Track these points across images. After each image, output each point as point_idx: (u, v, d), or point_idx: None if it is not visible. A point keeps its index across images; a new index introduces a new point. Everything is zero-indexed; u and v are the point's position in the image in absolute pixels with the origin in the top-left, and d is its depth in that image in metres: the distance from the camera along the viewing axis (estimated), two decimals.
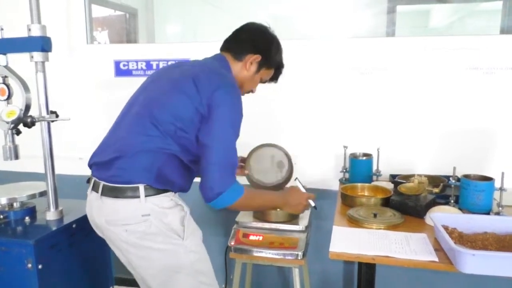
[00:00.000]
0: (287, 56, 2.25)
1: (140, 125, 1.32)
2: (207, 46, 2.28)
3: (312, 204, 1.62)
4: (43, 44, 1.46)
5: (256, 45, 1.50)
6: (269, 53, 1.52)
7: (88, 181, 1.42)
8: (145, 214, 1.27)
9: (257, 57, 1.49)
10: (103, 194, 1.31)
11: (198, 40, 2.79)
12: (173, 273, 1.33)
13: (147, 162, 1.28)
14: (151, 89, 1.42)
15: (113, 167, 1.31)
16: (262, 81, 1.59)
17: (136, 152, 1.28)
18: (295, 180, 1.73)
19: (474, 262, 1.15)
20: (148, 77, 1.53)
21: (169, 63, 2.29)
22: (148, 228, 1.28)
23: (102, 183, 1.32)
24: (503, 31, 2.17)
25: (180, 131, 1.30)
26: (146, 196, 1.27)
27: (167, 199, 1.32)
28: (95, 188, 1.35)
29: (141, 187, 1.27)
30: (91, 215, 1.39)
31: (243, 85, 1.52)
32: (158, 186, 1.30)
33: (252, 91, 1.60)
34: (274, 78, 1.62)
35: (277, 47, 1.56)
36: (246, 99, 1.52)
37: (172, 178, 1.33)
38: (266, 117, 2.19)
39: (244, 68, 1.49)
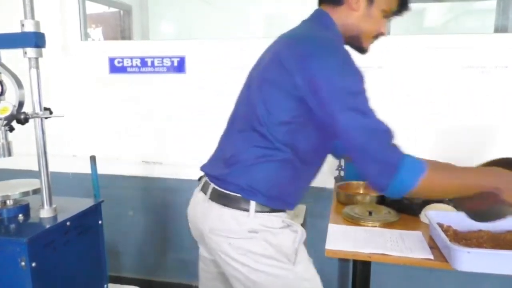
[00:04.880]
0: None
1: (245, 137, 1.13)
2: (201, 43, 2.30)
3: None
4: (36, 40, 1.44)
5: None
6: None
7: (200, 179, 1.29)
8: (251, 231, 1.10)
9: None
10: (211, 198, 1.16)
11: (193, 37, 2.78)
12: None
13: (258, 177, 1.10)
14: (246, 88, 1.23)
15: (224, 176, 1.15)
16: (388, 14, 1.17)
17: (246, 167, 1.11)
18: None
19: (469, 260, 1.16)
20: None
21: (164, 60, 2.29)
22: (253, 246, 1.10)
23: (212, 185, 1.18)
24: (497, 29, 2.18)
25: (288, 127, 1.07)
26: (256, 211, 1.10)
27: (278, 220, 1.13)
28: (204, 189, 1.22)
29: (252, 203, 1.10)
30: (194, 216, 1.24)
31: (362, 31, 1.17)
32: (271, 205, 1.12)
33: (382, 34, 1.20)
34: (403, 4, 1.17)
35: None
36: None
37: (286, 193, 1.14)
38: None
39: (349, 9, 1.14)
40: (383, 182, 0.98)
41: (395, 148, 1.00)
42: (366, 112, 1.00)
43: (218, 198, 1.15)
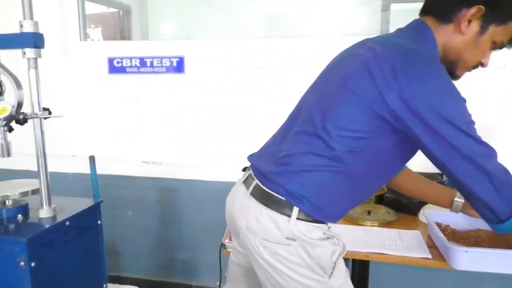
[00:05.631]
0: (281, 55, 2.26)
1: (304, 140, 1.06)
2: (200, 43, 2.30)
3: None
4: (35, 40, 1.44)
5: None
6: None
7: (244, 170, 1.23)
8: (290, 238, 1.04)
9: (478, 10, 0.98)
10: (252, 194, 1.11)
11: (192, 37, 2.78)
12: None
13: (310, 184, 1.04)
14: (318, 87, 1.14)
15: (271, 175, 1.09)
16: (497, 46, 1.05)
17: (298, 172, 1.05)
18: None
19: (467, 259, 1.16)
20: (329, 62, 1.19)
21: (163, 60, 2.29)
22: (289, 254, 1.05)
23: (256, 181, 1.11)
24: None
25: (354, 143, 1.00)
26: (297, 219, 1.04)
27: (319, 231, 1.06)
28: (246, 183, 1.15)
29: (296, 209, 1.04)
30: (231, 209, 1.18)
31: (462, 58, 1.05)
32: (314, 215, 1.05)
33: (482, 64, 1.08)
34: None
35: None
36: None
37: (334, 206, 1.08)
38: (261, 117, 2.18)
39: (457, 31, 1.01)
40: (506, 213, 0.95)
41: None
42: (481, 142, 0.94)
43: (260, 196, 1.09)
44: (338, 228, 1.45)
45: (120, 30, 3.17)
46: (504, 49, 1.91)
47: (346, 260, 1.68)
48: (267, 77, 2.20)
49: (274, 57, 2.20)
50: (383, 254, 1.28)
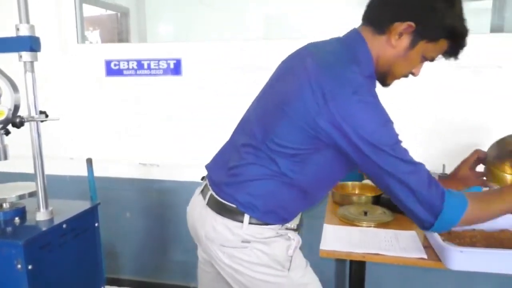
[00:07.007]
0: (281, 56, 2.25)
1: (251, 152, 1.11)
2: (197, 45, 2.31)
3: None
4: (31, 44, 1.45)
5: (406, 6, 1.02)
6: (430, 17, 1.00)
7: (203, 178, 1.29)
8: (244, 241, 1.11)
9: (408, 26, 1.01)
10: (208, 204, 1.18)
11: (190, 39, 2.79)
12: None
13: (258, 193, 1.10)
14: (262, 101, 1.20)
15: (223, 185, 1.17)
16: (429, 59, 1.09)
17: (246, 181, 1.11)
18: None
19: (462, 259, 1.16)
20: (275, 71, 1.28)
21: (161, 62, 2.29)
22: (246, 256, 1.12)
23: (210, 192, 1.19)
24: (493, 29, 2.18)
25: (294, 158, 1.06)
26: (249, 223, 1.11)
27: (271, 231, 1.14)
28: (203, 194, 1.23)
29: (247, 216, 1.11)
30: (192, 217, 1.25)
31: (391, 67, 1.09)
32: (266, 220, 1.13)
33: (413, 74, 1.13)
34: (453, 53, 1.07)
35: (449, 4, 1.01)
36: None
37: (284, 211, 1.15)
38: None
39: (389, 43, 1.05)
40: (429, 221, 1.04)
41: (437, 186, 1.03)
42: (405, 160, 1.01)
43: (215, 206, 1.16)
44: (334, 229, 1.46)
45: (118, 32, 3.17)
46: (501, 50, 1.94)
47: (343, 260, 1.67)
48: (267, 77, 2.19)
49: (274, 58, 2.20)
50: (379, 254, 1.28)
